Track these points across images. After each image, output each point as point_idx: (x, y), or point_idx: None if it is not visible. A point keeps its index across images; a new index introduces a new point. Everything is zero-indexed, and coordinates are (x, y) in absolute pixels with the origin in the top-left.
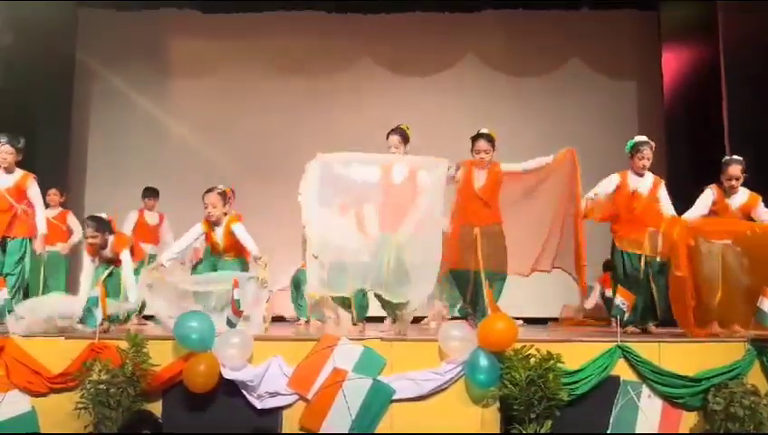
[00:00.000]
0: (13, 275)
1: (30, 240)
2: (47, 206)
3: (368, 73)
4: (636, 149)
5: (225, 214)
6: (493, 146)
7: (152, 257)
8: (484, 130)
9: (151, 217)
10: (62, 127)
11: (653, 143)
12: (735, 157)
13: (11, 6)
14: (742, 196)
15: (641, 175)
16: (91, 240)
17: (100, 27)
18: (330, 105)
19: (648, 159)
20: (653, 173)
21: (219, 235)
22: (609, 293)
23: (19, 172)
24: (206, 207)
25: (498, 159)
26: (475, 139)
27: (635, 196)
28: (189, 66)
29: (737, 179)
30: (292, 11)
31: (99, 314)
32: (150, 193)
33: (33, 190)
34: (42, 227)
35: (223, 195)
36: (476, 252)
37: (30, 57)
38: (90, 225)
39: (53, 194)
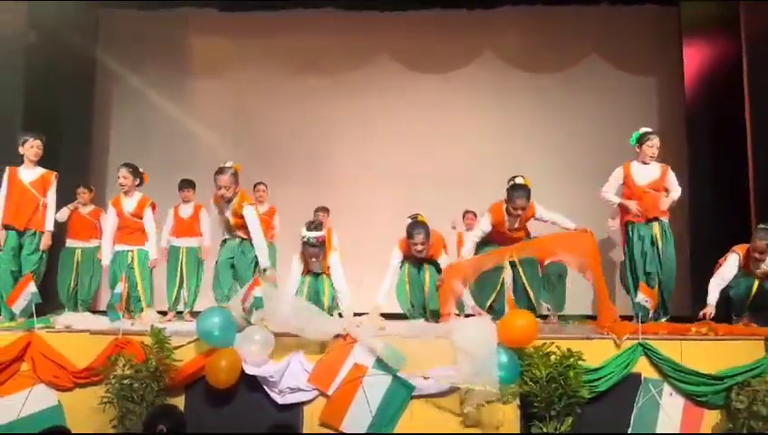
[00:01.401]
0: (34, 272)
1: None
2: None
3: (385, 71)
4: (646, 138)
5: (236, 193)
6: (529, 197)
7: (190, 250)
8: (521, 181)
9: (184, 211)
10: (83, 127)
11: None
12: None
13: (33, 7)
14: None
15: (647, 163)
16: (122, 180)
17: (120, 28)
18: (347, 103)
19: (657, 147)
20: (674, 172)
21: (228, 215)
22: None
23: (41, 168)
24: (218, 189)
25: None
26: (512, 191)
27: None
28: (208, 65)
29: (762, 253)
30: (309, 9)
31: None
32: (185, 184)
33: (53, 188)
34: (50, 225)
35: (235, 175)
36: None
37: (52, 58)
38: (126, 165)
39: (83, 192)
